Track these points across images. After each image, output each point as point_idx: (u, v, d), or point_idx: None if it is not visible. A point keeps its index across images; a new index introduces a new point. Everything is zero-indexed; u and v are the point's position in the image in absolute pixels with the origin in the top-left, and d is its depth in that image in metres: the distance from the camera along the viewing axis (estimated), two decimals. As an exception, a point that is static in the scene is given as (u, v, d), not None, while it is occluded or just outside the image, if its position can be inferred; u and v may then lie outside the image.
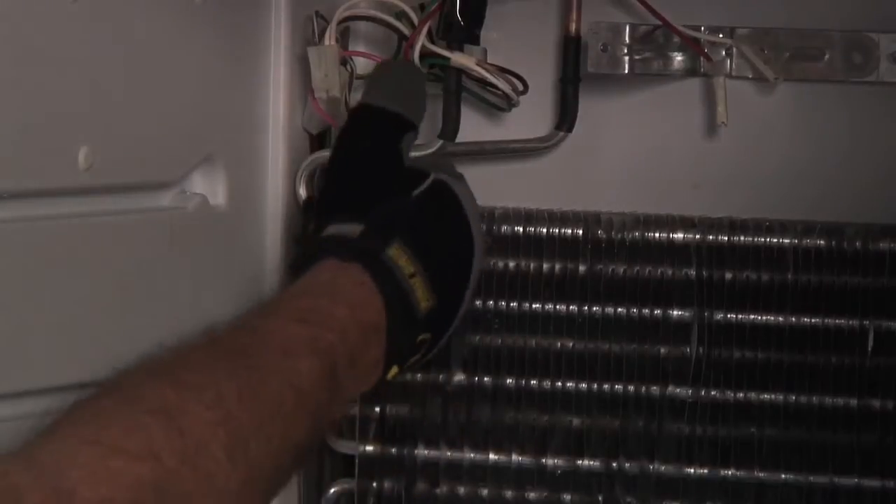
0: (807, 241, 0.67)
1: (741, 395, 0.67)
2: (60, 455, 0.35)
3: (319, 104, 0.65)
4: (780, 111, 0.72)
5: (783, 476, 0.67)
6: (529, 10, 0.72)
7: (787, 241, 0.67)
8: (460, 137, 0.66)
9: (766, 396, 0.67)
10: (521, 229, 0.68)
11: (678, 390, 0.67)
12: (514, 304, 0.68)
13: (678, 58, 0.70)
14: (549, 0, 0.72)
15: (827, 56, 0.70)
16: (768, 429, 0.67)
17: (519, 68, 0.66)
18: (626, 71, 0.69)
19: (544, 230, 0.68)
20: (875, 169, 0.72)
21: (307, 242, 0.57)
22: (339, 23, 0.64)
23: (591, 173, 0.74)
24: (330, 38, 0.64)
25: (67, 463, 0.35)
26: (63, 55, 0.45)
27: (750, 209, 0.69)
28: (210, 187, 0.58)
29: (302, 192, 0.65)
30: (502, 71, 0.65)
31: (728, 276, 0.67)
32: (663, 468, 0.68)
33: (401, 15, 0.65)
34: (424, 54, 0.64)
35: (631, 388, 0.68)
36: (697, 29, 0.69)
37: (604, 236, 0.68)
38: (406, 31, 0.65)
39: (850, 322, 0.67)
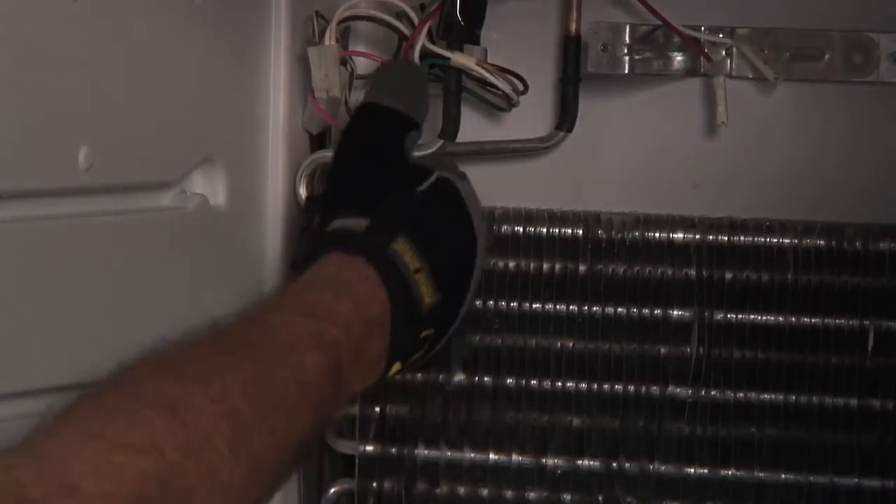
0: (807, 241, 0.67)
1: (741, 395, 0.67)
2: (64, 449, 0.35)
3: (319, 104, 0.65)
4: (780, 111, 0.72)
5: (783, 476, 0.67)
6: (529, 10, 0.72)
7: (787, 241, 0.67)
8: (460, 137, 0.66)
9: (766, 396, 0.67)
10: (521, 229, 0.68)
11: (678, 390, 0.67)
12: (514, 304, 0.68)
13: (678, 58, 0.70)
14: (549, 0, 0.72)
15: (827, 56, 0.70)
16: (768, 429, 0.67)
17: (519, 68, 0.66)
18: (626, 71, 0.69)
19: (544, 230, 0.68)
20: (875, 169, 0.72)
21: (312, 236, 0.57)
22: (340, 23, 0.64)
23: (591, 173, 0.74)
24: (330, 38, 0.64)
25: (71, 457, 0.35)
26: (63, 55, 0.45)
27: (750, 209, 0.69)
28: (210, 187, 0.58)
29: (302, 192, 0.65)
30: (502, 71, 0.65)
31: (728, 276, 0.67)
32: (663, 468, 0.68)
33: (401, 15, 0.65)
34: (424, 54, 0.64)
35: (631, 388, 0.68)
36: (697, 29, 0.69)
37: (604, 236, 0.68)
38: (406, 31, 0.65)
39: (850, 322, 0.67)
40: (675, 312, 0.68)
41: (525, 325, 0.68)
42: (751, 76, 0.70)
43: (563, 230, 0.68)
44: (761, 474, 0.67)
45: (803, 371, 0.67)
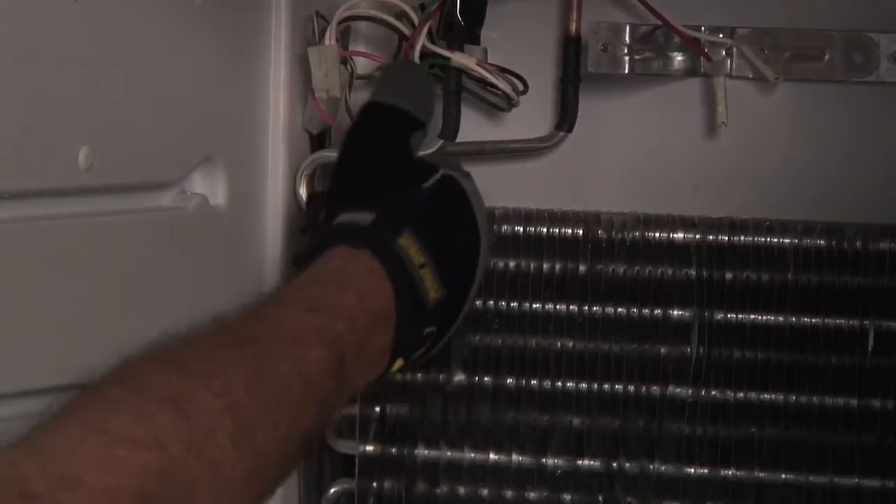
0: (807, 241, 0.67)
1: (741, 395, 0.67)
2: (66, 443, 0.35)
3: (319, 104, 0.65)
4: (780, 111, 0.72)
5: (783, 476, 0.67)
6: (529, 10, 0.72)
7: (787, 241, 0.67)
8: (460, 137, 0.66)
9: (766, 396, 0.67)
10: (521, 229, 0.68)
11: (678, 390, 0.67)
12: (514, 304, 0.68)
13: (678, 58, 0.70)
14: (549, 0, 0.72)
15: (827, 56, 0.70)
16: (768, 429, 0.67)
17: (519, 68, 0.66)
18: (627, 71, 0.69)
19: (544, 230, 0.68)
20: (875, 169, 0.72)
21: (317, 231, 0.57)
22: (340, 23, 0.64)
23: (591, 173, 0.74)
24: (330, 38, 0.64)
25: (73, 451, 0.35)
26: (63, 55, 0.45)
27: (750, 209, 0.69)
28: (210, 187, 0.58)
29: (302, 191, 0.65)
30: (502, 71, 0.65)
31: (728, 276, 0.67)
32: (663, 468, 0.68)
33: (401, 15, 0.65)
34: (425, 54, 0.64)
35: (631, 388, 0.68)
36: (697, 29, 0.69)
37: (604, 236, 0.68)
38: (406, 31, 0.65)
39: (850, 322, 0.67)
40: (675, 312, 0.68)
41: (525, 325, 0.68)
42: (751, 76, 0.70)
43: (563, 230, 0.68)
44: (761, 474, 0.67)
45: (803, 371, 0.67)
